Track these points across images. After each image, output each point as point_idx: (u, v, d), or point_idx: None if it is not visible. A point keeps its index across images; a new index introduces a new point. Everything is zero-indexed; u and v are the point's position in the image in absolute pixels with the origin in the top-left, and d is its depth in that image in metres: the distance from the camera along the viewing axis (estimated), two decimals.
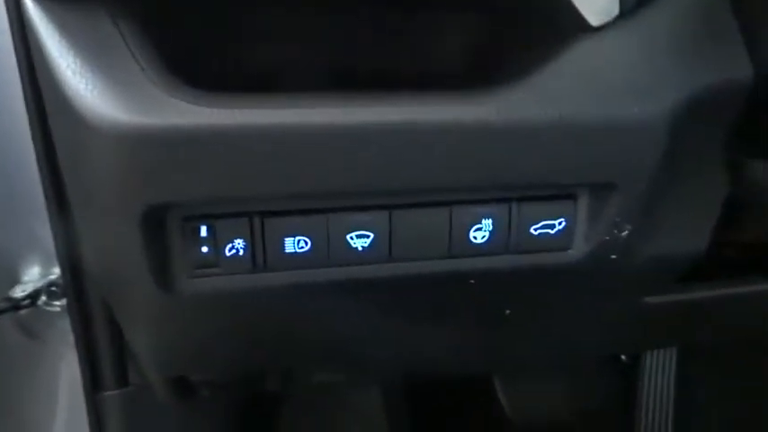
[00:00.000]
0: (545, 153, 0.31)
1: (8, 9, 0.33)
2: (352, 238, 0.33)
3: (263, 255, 0.31)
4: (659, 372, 0.78)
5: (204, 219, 0.31)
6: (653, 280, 0.42)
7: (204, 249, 0.31)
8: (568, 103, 0.30)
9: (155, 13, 0.29)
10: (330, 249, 0.32)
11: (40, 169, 0.48)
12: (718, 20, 0.33)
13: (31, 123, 0.46)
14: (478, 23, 0.33)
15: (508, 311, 0.41)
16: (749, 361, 0.76)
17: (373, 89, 0.29)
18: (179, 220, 0.30)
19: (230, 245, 0.31)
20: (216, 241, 0.31)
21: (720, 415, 0.77)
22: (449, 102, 0.29)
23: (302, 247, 0.32)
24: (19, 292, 0.61)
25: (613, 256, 0.35)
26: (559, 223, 0.34)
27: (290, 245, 0.32)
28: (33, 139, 0.46)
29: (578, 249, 0.35)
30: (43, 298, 0.62)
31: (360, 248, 0.33)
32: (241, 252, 0.31)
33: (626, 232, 0.34)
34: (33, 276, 0.62)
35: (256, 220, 0.31)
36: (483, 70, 0.31)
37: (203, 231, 0.31)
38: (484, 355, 0.51)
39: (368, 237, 0.33)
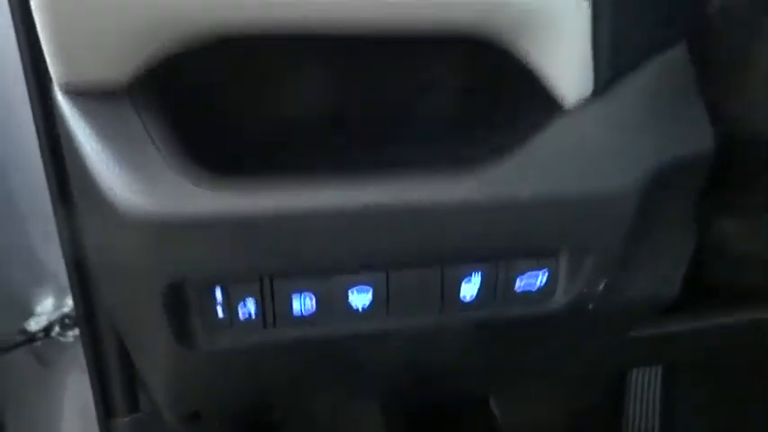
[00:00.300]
0: (526, 223, 0.34)
1: (29, 86, 0.36)
2: (352, 293, 0.36)
3: (272, 316, 0.34)
4: (645, 383, 0.82)
5: (219, 282, 0.34)
6: (630, 320, 0.45)
7: (219, 312, 0.34)
8: (546, 180, 0.33)
9: (174, 101, 0.31)
10: (333, 309, 0.35)
11: (56, 214, 0.50)
12: (683, 94, 0.36)
13: (47, 172, 0.48)
14: (463, 107, 0.36)
15: (495, 348, 0.44)
16: (734, 371, 0.79)
17: (370, 172, 0.32)
18: (196, 285, 0.33)
19: (243, 307, 0.34)
20: (230, 304, 0.34)
21: (706, 425, 0.80)
22: (437, 182, 0.32)
23: (308, 309, 0.35)
24: (33, 325, 0.64)
25: (590, 306, 0.39)
26: (542, 276, 0.37)
27: (296, 303, 0.35)
28: (48, 183, 0.48)
29: (558, 301, 0.38)
30: (56, 329, 0.65)
31: (360, 309, 0.36)
32: (253, 315, 0.34)
33: (601, 286, 0.37)
34: (47, 307, 0.65)
35: (266, 283, 0.34)
36: (469, 150, 0.34)
37: (218, 295, 0.34)
38: (475, 381, 0.54)
39: (367, 295, 0.36)
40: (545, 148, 0.33)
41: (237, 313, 0.35)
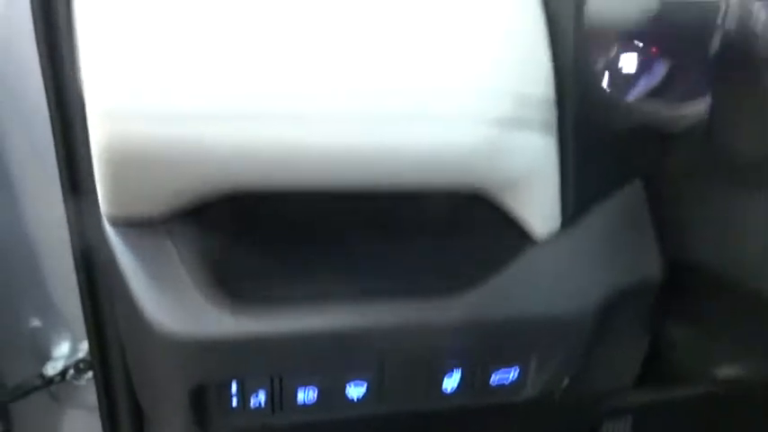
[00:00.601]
0: (500, 337, 0.40)
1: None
2: (350, 386, 0.41)
3: (279, 404, 0.40)
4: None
5: (235, 378, 0.39)
6: (593, 401, 0.51)
7: (234, 402, 0.39)
8: (518, 303, 0.39)
9: (205, 232, 0.37)
10: (332, 399, 0.41)
11: (77, 270, 0.55)
12: (637, 227, 0.42)
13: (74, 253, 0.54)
14: (447, 243, 0.41)
15: (473, 423, 0.50)
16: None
17: (369, 300, 0.38)
18: (216, 382, 0.39)
19: (255, 398, 0.40)
20: (244, 395, 0.39)
21: None
22: (425, 306, 0.38)
23: (311, 399, 0.41)
24: (50, 370, 0.69)
25: (557, 396, 0.45)
26: (514, 373, 0.43)
27: (301, 394, 0.41)
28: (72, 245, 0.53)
29: (528, 392, 0.44)
30: (71, 372, 0.70)
31: (356, 399, 0.41)
32: (263, 404, 0.40)
33: (565, 382, 0.43)
34: (63, 351, 0.70)
35: (276, 379, 0.40)
36: (453, 278, 0.40)
37: (234, 388, 0.39)
38: None
39: (362, 387, 0.41)
40: (517, 275, 0.39)
41: (249, 402, 0.40)
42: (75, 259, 0.56)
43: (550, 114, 0.37)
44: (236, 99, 0.31)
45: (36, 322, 0.70)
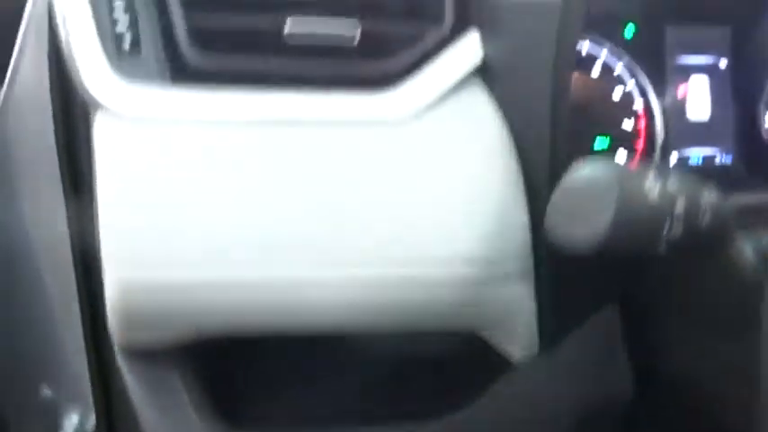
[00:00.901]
0: None
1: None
2: None
3: None
4: None
5: None
6: None
7: None
8: (495, 426, 0.42)
9: (208, 362, 0.40)
10: None
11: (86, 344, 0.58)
12: (610, 349, 0.45)
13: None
14: (431, 369, 0.44)
15: None
16: None
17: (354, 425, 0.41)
18: None
19: None
20: None
21: None
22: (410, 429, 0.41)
23: None
24: None
25: None
26: None
27: None
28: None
29: None
30: None
31: None
32: None
33: None
34: (72, 423, 0.73)
35: None
36: (436, 402, 0.43)
37: None
38: None
39: None
40: (497, 398, 0.42)
41: None
42: (85, 334, 0.59)
43: (528, 259, 0.40)
44: (229, 260, 0.35)
45: (46, 392, 0.73)
